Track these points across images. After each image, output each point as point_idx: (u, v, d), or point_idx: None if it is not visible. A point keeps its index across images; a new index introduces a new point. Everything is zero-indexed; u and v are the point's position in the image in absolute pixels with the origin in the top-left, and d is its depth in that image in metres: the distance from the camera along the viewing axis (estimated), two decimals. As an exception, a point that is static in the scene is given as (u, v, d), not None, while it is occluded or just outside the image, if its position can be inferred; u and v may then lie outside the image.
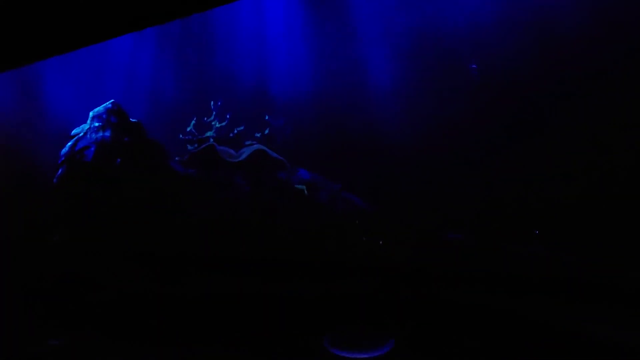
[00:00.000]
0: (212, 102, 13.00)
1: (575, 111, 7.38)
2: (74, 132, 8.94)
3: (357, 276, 5.11)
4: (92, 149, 7.92)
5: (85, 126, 8.82)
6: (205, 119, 12.39)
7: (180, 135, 11.70)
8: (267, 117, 12.44)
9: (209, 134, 10.86)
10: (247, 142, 9.84)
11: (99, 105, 9.07)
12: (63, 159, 8.48)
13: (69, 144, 8.56)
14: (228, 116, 12.29)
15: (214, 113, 11.97)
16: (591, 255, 4.84)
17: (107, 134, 8.26)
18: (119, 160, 7.49)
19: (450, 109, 8.48)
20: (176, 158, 8.16)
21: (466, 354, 3.60)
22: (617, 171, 5.60)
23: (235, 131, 11.53)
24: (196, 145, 9.13)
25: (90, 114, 8.94)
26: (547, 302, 3.90)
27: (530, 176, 6.91)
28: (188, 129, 11.38)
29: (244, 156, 8.43)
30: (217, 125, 11.54)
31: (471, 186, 7.26)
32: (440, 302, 4.56)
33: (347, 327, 3.96)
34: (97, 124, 8.57)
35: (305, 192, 7.30)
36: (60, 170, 8.04)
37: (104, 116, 8.63)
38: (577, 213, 6.42)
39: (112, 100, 8.78)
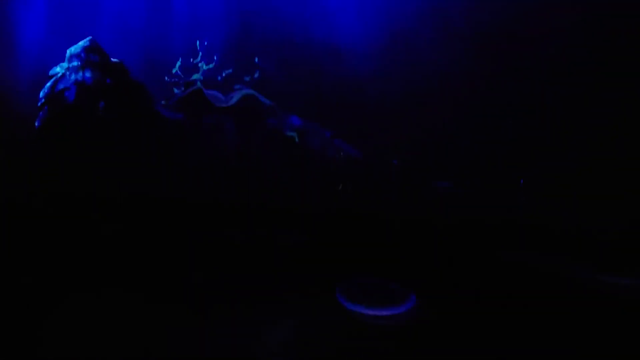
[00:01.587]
0: (197, 42, 12.28)
1: (572, 57, 7.19)
2: (52, 72, 8.47)
3: (350, 225, 5.22)
4: (73, 90, 7.55)
5: (64, 65, 8.33)
6: (192, 60, 11.79)
7: (166, 78, 11.20)
8: (256, 60, 11.88)
9: (196, 76, 10.40)
10: (237, 86, 9.48)
11: (75, 43, 8.51)
12: (43, 100, 8.12)
13: (48, 84, 8.14)
14: (216, 57, 11.71)
15: (200, 54, 11.37)
16: (576, 205, 5.01)
17: (88, 74, 7.84)
18: (103, 103, 7.19)
19: (445, 56, 8.18)
20: (162, 102, 7.86)
21: (481, 305, 3.73)
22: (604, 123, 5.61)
23: (224, 74, 11.05)
24: (183, 89, 8.77)
25: (68, 52, 8.40)
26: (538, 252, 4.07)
27: (520, 126, 6.89)
28: (174, 71, 10.86)
29: (233, 101, 8.16)
30: (205, 67, 11.01)
31: (462, 135, 7.25)
32: (441, 253, 4.71)
33: (359, 279, 3.66)
34: (76, 63, 8.09)
35: (297, 139, 7.20)
36: (41, 113, 7.73)
37: (83, 55, 8.12)
38: (564, 162, 6.53)
39: (90, 38, 8.21)
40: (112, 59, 8.32)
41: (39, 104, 7.60)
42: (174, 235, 4.33)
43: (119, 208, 4.33)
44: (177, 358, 2.86)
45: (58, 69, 8.48)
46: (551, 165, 6.13)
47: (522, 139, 6.75)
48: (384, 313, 3.22)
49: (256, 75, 11.12)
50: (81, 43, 8.46)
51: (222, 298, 3.85)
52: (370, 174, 6.19)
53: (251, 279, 4.20)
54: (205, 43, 12.72)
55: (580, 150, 5.53)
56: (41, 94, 7.76)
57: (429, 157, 7.12)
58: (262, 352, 3.07)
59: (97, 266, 4.13)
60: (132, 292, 3.88)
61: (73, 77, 8.00)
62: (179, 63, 10.78)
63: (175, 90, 9.33)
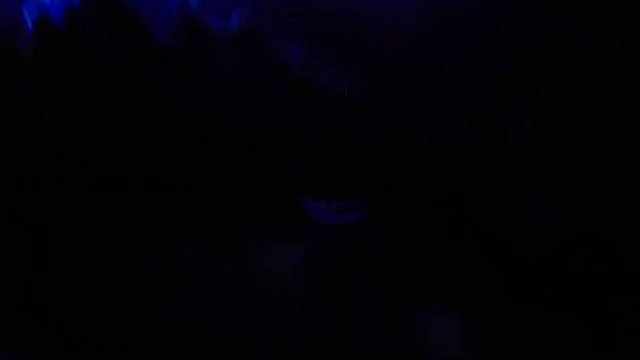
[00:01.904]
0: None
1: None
2: (37, -6, 7.82)
3: (348, 156, 5.14)
4: (61, 13, 7.05)
5: (49, -13, 7.66)
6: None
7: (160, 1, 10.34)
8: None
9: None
10: (235, 10, 8.76)
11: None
12: (32, 26, 7.61)
13: (32, 8, 7.57)
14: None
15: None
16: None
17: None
18: (92, 28, 6.73)
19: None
20: (153, 26, 7.37)
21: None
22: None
23: (221, -2, 10.17)
24: (177, 13, 8.10)
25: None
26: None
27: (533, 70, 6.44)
28: (168, -6, 9.99)
29: (231, 27, 7.57)
30: (201, -10, 10.09)
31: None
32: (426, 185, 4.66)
33: (321, 189, 4.07)
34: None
35: (298, 69, 6.86)
36: (29, 41, 7.28)
37: (68, -25, 7.42)
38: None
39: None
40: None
41: (26, 31, 7.14)
42: (172, 163, 4.28)
43: (113, 133, 4.24)
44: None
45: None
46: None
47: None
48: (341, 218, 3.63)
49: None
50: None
51: (220, 217, 3.91)
52: (374, 109, 5.97)
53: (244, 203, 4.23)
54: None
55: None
56: (25, 18, 7.28)
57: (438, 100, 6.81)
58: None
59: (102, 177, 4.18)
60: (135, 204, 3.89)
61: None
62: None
63: (169, 13, 8.66)
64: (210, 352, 1.89)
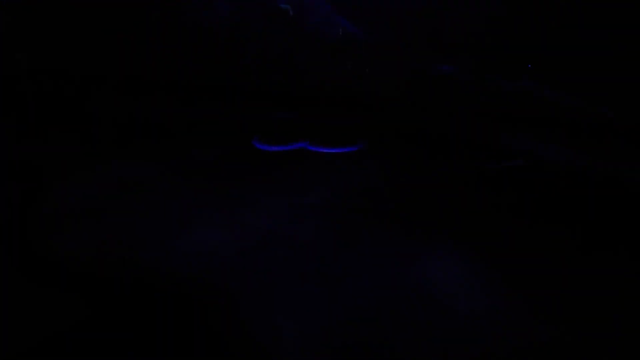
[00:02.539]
0: None
1: None
2: None
3: (343, 107, 5.06)
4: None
5: None
6: None
7: None
8: None
9: None
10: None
11: None
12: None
13: None
14: None
15: None
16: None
17: None
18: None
19: None
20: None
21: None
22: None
23: None
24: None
25: None
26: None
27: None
28: None
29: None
30: None
31: (469, 14, 6.62)
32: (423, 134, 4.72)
33: (321, 132, 4.52)
34: None
35: (290, 12, 6.44)
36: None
37: None
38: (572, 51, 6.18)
39: None
40: None
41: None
42: (170, 115, 4.15)
43: (109, 87, 4.03)
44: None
45: None
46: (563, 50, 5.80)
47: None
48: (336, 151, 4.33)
49: None
50: None
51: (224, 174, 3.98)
52: (370, 54, 5.80)
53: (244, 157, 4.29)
54: None
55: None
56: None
57: (433, 37, 6.60)
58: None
59: (99, 140, 4.06)
60: (144, 165, 3.91)
61: None
62: None
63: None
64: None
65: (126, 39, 4.25)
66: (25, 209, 3.14)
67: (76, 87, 4.12)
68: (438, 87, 5.63)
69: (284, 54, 5.92)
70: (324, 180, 3.81)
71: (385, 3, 7.38)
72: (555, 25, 6.18)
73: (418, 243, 3.07)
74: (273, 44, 6.02)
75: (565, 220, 3.25)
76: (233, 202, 3.45)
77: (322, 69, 5.33)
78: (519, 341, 2.05)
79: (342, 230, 3.16)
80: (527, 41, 7.07)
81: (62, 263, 2.61)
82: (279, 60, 5.12)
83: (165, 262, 2.77)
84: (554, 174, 3.61)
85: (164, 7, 4.27)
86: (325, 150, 4.14)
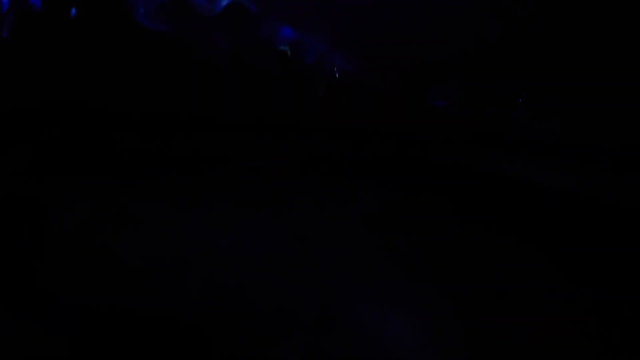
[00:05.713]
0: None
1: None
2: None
3: (340, 138, 5.20)
4: (38, -6, 6.77)
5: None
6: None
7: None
8: (242, -39, 10.55)
9: (175, -20, 9.27)
10: (222, -8, 8.52)
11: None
12: (7, 7, 7.31)
13: (9, -12, 7.25)
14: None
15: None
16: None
17: (53, -24, 6.94)
18: (74, 10, 6.50)
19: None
20: (140, 9, 7.14)
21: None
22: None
23: (207, -22, 9.88)
24: (162, -6, 7.86)
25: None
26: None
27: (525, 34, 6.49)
28: (150, -26, 9.67)
29: (219, 8, 7.40)
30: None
31: (461, 44, 6.86)
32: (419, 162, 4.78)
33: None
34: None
35: (289, 53, 6.77)
36: (7, 22, 7.02)
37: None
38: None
39: None
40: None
41: (4, 9, 6.86)
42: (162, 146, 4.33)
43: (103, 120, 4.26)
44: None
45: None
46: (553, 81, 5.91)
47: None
48: None
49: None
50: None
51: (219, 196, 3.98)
52: (363, 90, 6.02)
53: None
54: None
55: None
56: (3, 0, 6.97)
57: (426, 71, 6.81)
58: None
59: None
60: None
61: (36, -21, 7.10)
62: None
63: (154, -4, 8.38)
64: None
65: (141, 74, 4.53)
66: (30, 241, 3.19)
67: (93, 121, 4.36)
68: (432, 119, 5.72)
69: (282, 92, 6.16)
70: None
71: (379, 36, 7.70)
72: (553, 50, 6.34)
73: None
74: (272, 81, 6.29)
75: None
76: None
77: (318, 105, 5.54)
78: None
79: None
80: (522, 65, 7.21)
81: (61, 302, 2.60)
82: (276, 97, 5.34)
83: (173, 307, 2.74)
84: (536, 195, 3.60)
85: (162, 44, 4.56)
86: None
